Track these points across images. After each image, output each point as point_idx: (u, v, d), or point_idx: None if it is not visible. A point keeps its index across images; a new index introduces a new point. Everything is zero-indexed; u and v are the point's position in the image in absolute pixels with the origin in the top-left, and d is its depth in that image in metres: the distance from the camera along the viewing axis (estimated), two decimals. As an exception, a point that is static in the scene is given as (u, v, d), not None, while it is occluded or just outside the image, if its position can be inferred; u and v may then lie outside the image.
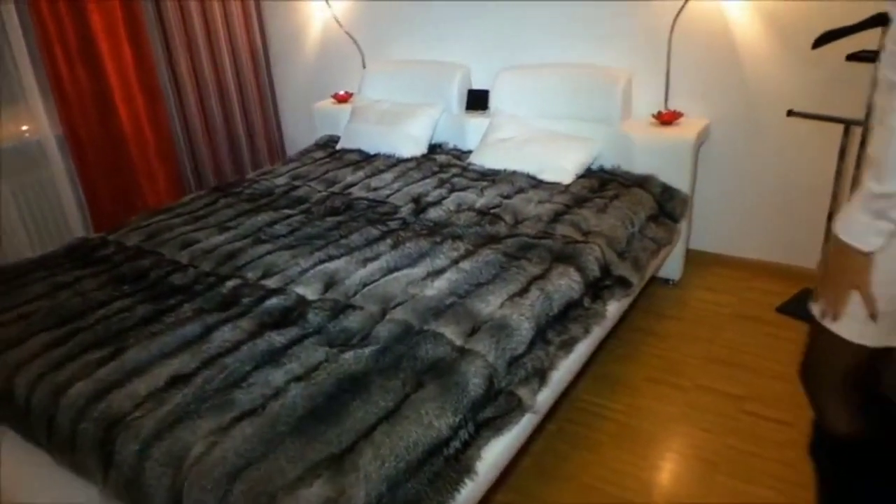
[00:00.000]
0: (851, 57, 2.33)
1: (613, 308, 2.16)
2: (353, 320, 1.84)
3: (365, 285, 2.02)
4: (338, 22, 3.79)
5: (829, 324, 1.25)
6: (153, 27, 3.57)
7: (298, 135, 4.28)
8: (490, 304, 1.88)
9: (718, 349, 2.46)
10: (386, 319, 1.83)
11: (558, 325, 1.94)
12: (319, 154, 3.50)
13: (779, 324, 2.60)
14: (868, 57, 2.31)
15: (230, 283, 2.11)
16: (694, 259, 3.07)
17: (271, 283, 2.11)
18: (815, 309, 1.28)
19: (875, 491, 1.33)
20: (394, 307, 1.89)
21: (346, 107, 3.74)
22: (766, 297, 2.77)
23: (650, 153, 2.80)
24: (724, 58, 2.77)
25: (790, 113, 2.49)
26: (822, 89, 2.58)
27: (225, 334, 1.81)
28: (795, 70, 2.64)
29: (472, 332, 1.77)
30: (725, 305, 2.70)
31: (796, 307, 2.68)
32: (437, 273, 2.06)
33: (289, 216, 2.66)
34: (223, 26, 3.88)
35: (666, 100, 2.94)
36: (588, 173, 2.85)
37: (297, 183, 3.07)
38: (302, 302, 1.97)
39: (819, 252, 2.63)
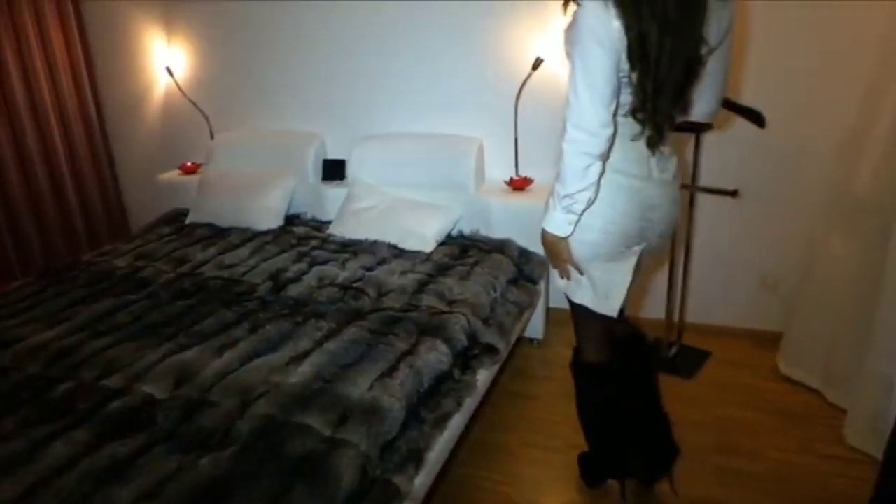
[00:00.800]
0: (675, 127, 2.57)
1: (483, 376, 2.17)
2: (209, 419, 1.68)
3: (222, 377, 1.87)
4: (181, 91, 3.62)
5: (571, 295, 1.84)
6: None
7: (142, 209, 3.99)
8: (359, 387, 1.81)
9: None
10: (247, 414, 1.69)
11: (430, 401, 1.90)
12: (166, 230, 3.27)
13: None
14: (687, 128, 2.55)
15: (63, 387, 1.86)
16: (555, 317, 3.17)
17: (112, 382, 1.89)
18: (561, 284, 1.86)
19: (599, 395, 1.95)
20: (255, 399, 1.76)
21: (195, 178, 3.56)
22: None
23: (506, 218, 2.90)
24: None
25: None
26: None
27: (57, 450, 1.58)
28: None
29: (342, 420, 1.68)
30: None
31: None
32: (301, 357, 1.96)
33: (132, 302, 2.44)
34: (50, 94, 3.58)
35: (516, 166, 3.07)
36: (449, 240, 2.89)
37: (140, 264, 2.83)
38: (149, 402, 1.77)
39: (664, 301, 2.82)
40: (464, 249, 2.81)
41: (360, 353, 1.99)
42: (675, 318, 2.87)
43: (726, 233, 2.87)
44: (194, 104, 3.63)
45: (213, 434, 1.63)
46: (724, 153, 2.73)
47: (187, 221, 3.32)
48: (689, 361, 2.81)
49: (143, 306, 2.39)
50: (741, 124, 2.47)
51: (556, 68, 2.88)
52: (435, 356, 2.01)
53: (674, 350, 2.87)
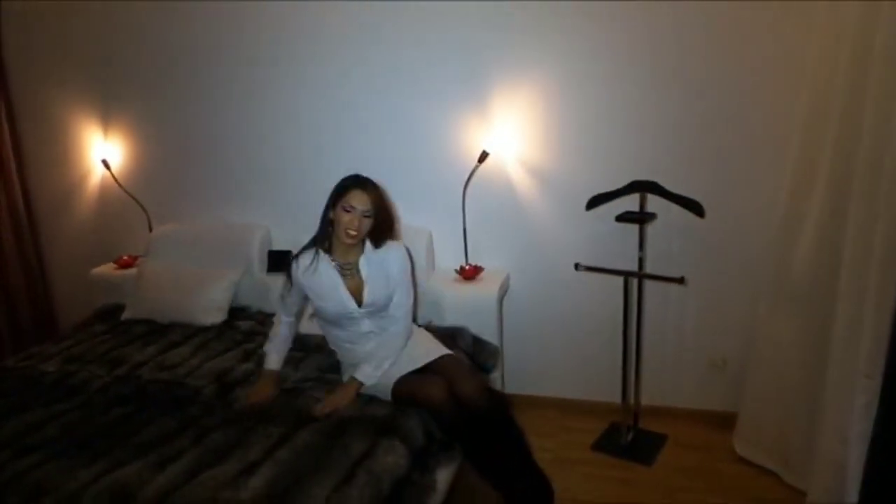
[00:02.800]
0: (619, 218, 2.66)
1: (444, 475, 2.08)
2: (151, 548, 1.54)
3: (165, 496, 1.72)
4: (118, 183, 3.53)
5: None
6: None
7: (74, 306, 3.78)
8: (315, 500, 1.70)
9: None
10: (193, 540, 1.56)
11: (391, 509, 1.80)
12: (100, 328, 3.09)
13: (596, 462, 2.70)
14: (632, 218, 2.64)
15: (-19, 518, 1.68)
16: (512, 403, 3.11)
17: (40, 509, 1.71)
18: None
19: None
20: (202, 521, 1.62)
21: (131, 272, 3.41)
22: (581, 436, 2.88)
23: (458, 308, 2.88)
24: (513, 215, 3.02)
25: (577, 266, 2.74)
26: (602, 244, 2.89)
27: None
28: (576, 227, 2.94)
29: (299, 539, 1.57)
30: (548, 451, 2.72)
31: (608, 443, 2.82)
32: (252, 468, 1.83)
33: (63, 412, 2.25)
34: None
35: (466, 255, 3.09)
36: (401, 331, 2.83)
37: (72, 367, 2.65)
38: (82, 532, 1.61)
39: (619, 386, 2.82)
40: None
41: (314, 460, 1.88)
42: (631, 401, 2.86)
43: (674, 317, 2.93)
44: (132, 196, 3.53)
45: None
46: (668, 241, 2.82)
47: (123, 317, 3.16)
48: (647, 446, 2.79)
49: (75, 416, 2.22)
50: (682, 213, 2.57)
51: (502, 161, 2.96)
52: (393, 459, 1.92)
53: (630, 435, 2.85)
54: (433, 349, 2.32)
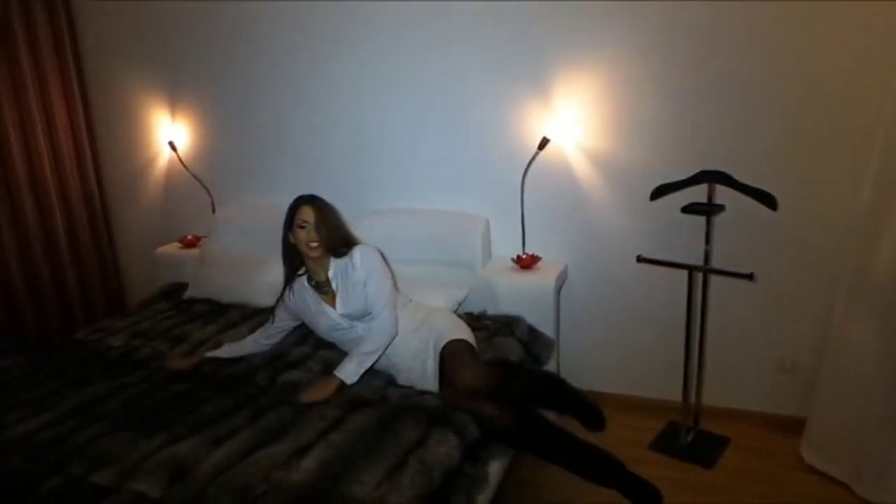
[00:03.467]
0: (685, 209, 2.55)
1: (496, 468, 2.04)
2: (204, 524, 1.56)
3: (219, 473, 1.75)
4: (184, 165, 3.61)
5: None
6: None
7: (141, 283, 3.91)
8: (365, 486, 1.69)
9: (603, 496, 2.39)
10: (244, 519, 1.57)
11: (439, 499, 1.77)
12: (164, 305, 3.18)
13: (653, 462, 2.61)
14: (698, 210, 2.53)
15: (48, 484, 1.74)
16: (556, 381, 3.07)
17: (102, 478, 1.76)
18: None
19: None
20: (255, 500, 1.64)
21: (194, 252, 3.50)
22: (638, 434, 2.79)
23: (513, 298, 2.83)
24: (574, 205, 2.94)
25: (639, 259, 2.64)
26: (666, 236, 2.79)
27: (37, 561, 1.45)
28: (639, 218, 2.84)
29: (349, 524, 1.56)
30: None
31: (667, 443, 2.73)
32: (304, 450, 1.84)
33: (126, 386, 2.33)
34: (51, 169, 3.56)
35: (523, 243, 3.03)
36: (455, 319, 2.80)
37: (136, 343, 2.73)
38: (140, 503, 1.65)
39: (681, 384, 2.72)
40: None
41: (367, 445, 1.88)
42: (692, 400, 2.76)
43: (741, 315, 2.80)
44: (196, 178, 3.62)
45: (207, 542, 1.51)
46: (736, 235, 2.69)
47: (186, 296, 3.24)
48: (708, 448, 2.68)
49: (137, 391, 2.28)
50: (753, 206, 2.44)
51: (562, 148, 2.88)
52: (445, 450, 1.89)
53: (691, 436, 2.75)
54: (445, 333, 2.30)
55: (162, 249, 3.63)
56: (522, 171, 2.94)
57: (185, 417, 2.06)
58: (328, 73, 3.23)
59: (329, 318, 2.35)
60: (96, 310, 3.80)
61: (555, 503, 2.42)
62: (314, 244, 2.26)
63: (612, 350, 3.06)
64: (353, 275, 2.31)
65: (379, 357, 2.29)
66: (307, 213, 2.27)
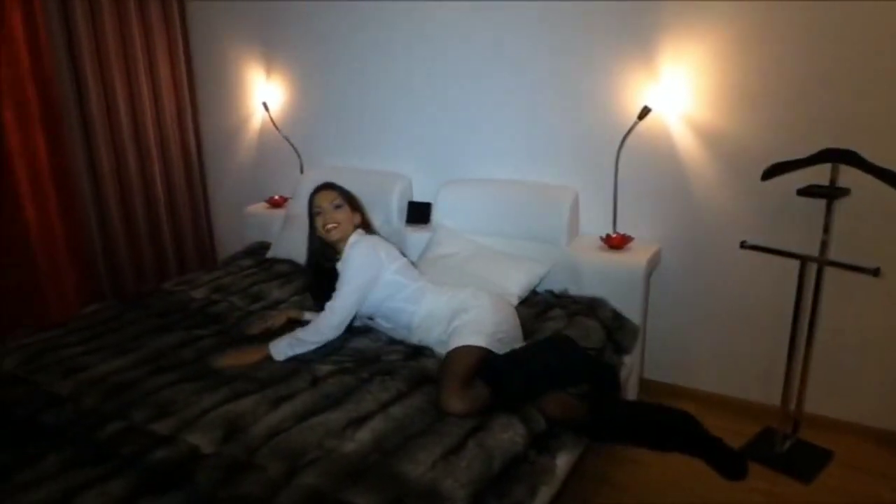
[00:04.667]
0: (802, 192, 2.26)
1: (565, 460, 1.90)
2: (251, 484, 1.52)
3: (273, 435, 1.71)
4: (275, 125, 3.63)
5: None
6: (72, 120, 3.30)
7: (229, 239, 4.01)
8: (419, 465, 1.60)
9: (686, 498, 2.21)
10: (292, 484, 1.52)
11: (499, 485, 1.66)
12: (247, 262, 3.23)
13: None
14: (819, 192, 2.23)
15: (111, 428, 1.77)
16: (649, 389, 2.87)
17: (162, 427, 1.77)
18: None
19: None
20: (304, 466, 1.58)
21: (280, 212, 3.53)
22: (727, 437, 2.53)
23: (599, 279, 2.64)
24: (673, 182, 2.69)
25: (743, 245, 2.38)
26: (776, 221, 2.50)
27: (88, 502, 1.46)
28: (746, 200, 2.56)
29: (394, 503, 1.47)
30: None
31: (760, 450, 2.47)
32: (361, 420, 1.77)
33: (200, 337, 2.35)
34: (153, 122, 3.66)
35: (614, 221, 2.82)
36: (532, 296, 2.66)
37: (216, 297, 2.78)
38: (193, 456, 1.64)
39: (780, 388, 2.45)
40: (547, 308, 2.56)
41: (426, 423, 1.78)
42: (792, 406, 2.48)
43: (859, 315, 2.48)
44: (287, 139, 3.62)
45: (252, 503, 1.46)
46: (859, 224, 2.37)
47: (268, 255, 3.27)
48: (807, 461, 2.41)
49: (210, 343, 2.30)
50: (882, 191, 2.12)
51: (665, 119, 2.63)
52: (509, 436, 1.77)
53: (788, 445, 2.48)
54: (454, 337, 2.07)
55: (251, 208, 3.68)
56: (618, 142, 2.71)
57: (249, 375, 2.05)
58: (418, 39, 3.11)
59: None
60: (188, 263, 3.92)
61: None
62: (332, 225, 2.27)
63: (704, 343, 2.81)
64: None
65: (311, 349, 2.18)
66: (321, 200, 2.31)
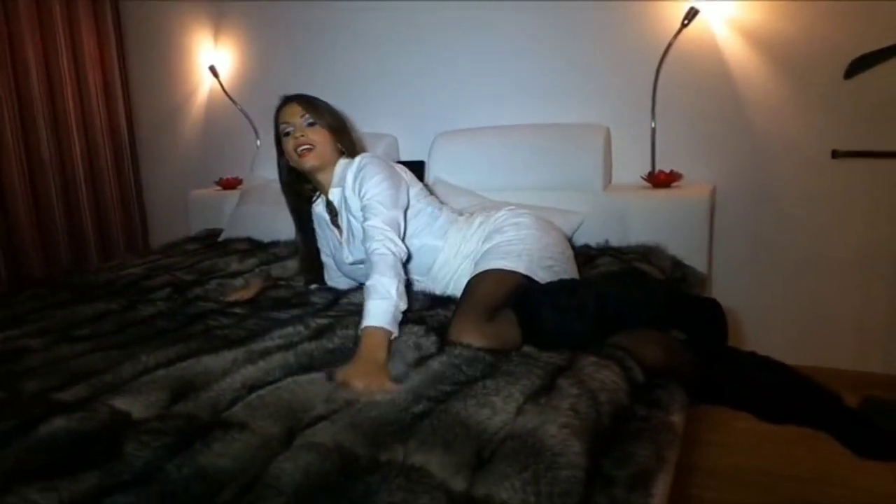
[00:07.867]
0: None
1: (680, 419, 1.31)
2: (223, 452, 0.87)
3: (254, 389, 1.07)
4: (225, 92, 3.04)
5: None
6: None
7: (169, 229, 3.28)
8: (499, 411, 0.99)
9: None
10: (296, 445, 0.88)
11: (614, 448, 1.05)
12: (193, 246, 2.57)
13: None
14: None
15: (-18, 399, 1.09)
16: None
17: (68, 394, 1.10)
18: None
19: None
20: (311, 423, 0.95)
21: (233, 195, 2.90)
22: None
23: (647, 224, 2.13)
24: (724, 105, 2.24)
25: (835, 154, 1.90)
26: (868, 133, 2.04)
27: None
28: (824, 114, 2.10)
29: (481, 461, 0.86)
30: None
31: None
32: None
33: (137, 303, 1.72)
34: (75, 105, 3.09)
35: (653, 159, 2.32)
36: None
37: (153, 274, 2.10)
38: (119, 424, 0.98)
39: (884, 350, 1.94)
40: (590, 259, 2.01)
41: (479, 370, 1.17)
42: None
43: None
44: (239, 107, 3.03)
45: (228, 480, 0.82)
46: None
47: (221, 238, 2.63)
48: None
49: (152, 311, 1.65)
50: None
51: (711, 26, 2.18)
52: (608, 376, 1.18)
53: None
54: (480, 262, 1.54)
55: (197, 192, 3.04)
56: (656, 62, 2.24)
57: (213, 333, 1.41)
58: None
59: (348, 259, 1.69)
60: (115, 257, 3.23)
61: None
62: (305, 148, 1.62)
63: (778, 303, 2.30)
64: (354, 201, 1.62)
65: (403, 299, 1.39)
66: (288, 115, 1.67)
